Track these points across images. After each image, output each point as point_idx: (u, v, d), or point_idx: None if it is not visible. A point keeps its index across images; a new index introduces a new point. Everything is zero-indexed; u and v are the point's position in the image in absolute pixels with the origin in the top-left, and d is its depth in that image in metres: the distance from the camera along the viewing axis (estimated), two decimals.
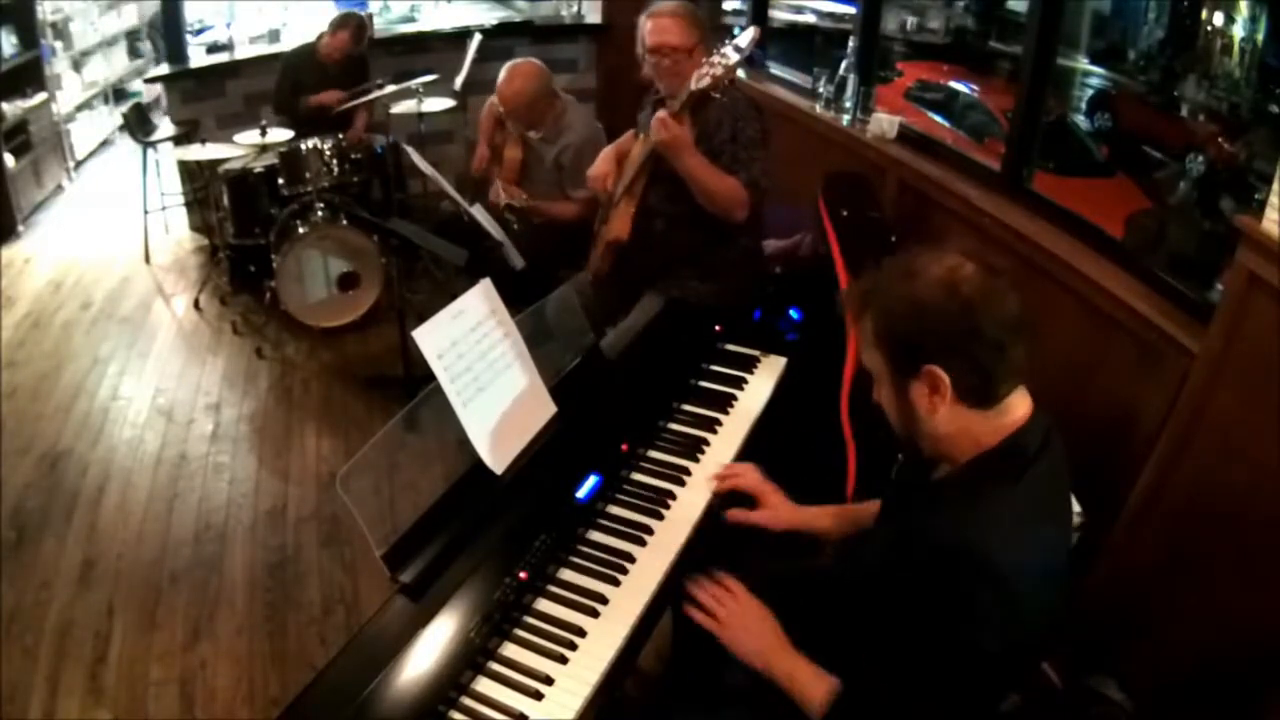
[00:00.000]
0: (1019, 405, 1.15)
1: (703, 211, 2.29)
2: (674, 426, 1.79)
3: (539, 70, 3.10)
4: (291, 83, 4.13)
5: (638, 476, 1.65)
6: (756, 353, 2.03)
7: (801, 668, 1.28)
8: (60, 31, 6.09)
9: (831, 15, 5.40)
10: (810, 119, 3.16)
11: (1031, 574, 1.08)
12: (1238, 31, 3.00)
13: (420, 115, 3.95)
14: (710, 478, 1.64)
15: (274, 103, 4.18)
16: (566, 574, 1.42)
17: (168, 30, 4.75)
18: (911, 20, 5.32)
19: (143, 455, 3.04)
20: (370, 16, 4.92)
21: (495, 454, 1.49)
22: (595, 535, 1.51)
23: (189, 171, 4.58)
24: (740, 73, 2.15)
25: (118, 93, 7.11)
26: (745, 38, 2.11)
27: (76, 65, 6.41)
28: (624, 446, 1.67)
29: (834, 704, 1.22)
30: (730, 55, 2.09)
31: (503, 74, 3.10)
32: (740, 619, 1.36)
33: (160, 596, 2.43)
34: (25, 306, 4.15)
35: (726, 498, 1.63)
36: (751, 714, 1.34)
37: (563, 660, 1.27)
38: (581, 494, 1.54)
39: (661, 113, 2.15)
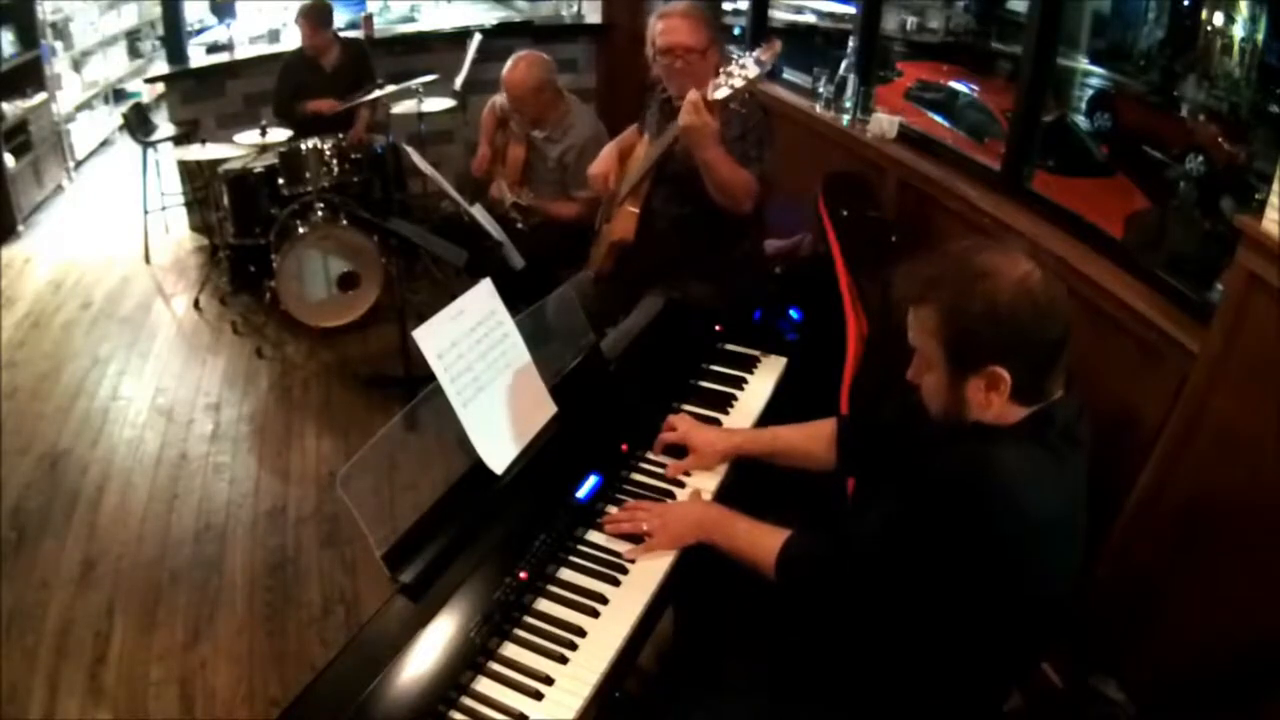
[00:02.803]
0: (1054, 392, 1.19)
1: (706, 215, 2.29)
2: None
3: (543, 58, 3.13)
4: (291, 87, 4.12)
5: (638, 476, 1.65)
6: (756, 353, 2.03)
7: (741, 528, 1.36)
8: (60, 31, 6.10)
9: (831, 15, 5.41)
10: (810, 119, 3.16)
11: (1048, 506, 1.11)
12: (1238, 31, 3.00)
13: (420, 115, 3.95)
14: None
15: (273, 107, 4.17)
16: (566, 574, 1.42)
17: (168, 30, 4.74)
18: (911, 20, 5.32)
19: (143, 455, 3.04)
20: (370, 16, 4.93)
21: (495, 454, 1.49)
22: (595, 535, 1.51)
23: (189, 171, 4.58)
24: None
25: (118, 93, 7.11)
26: (766, 51, 2.08)
27: (76, 65, 6.42)
28: (624, 446, 1.67)
29: (784, 553, 1.28)
30: (751, 68, 2.06)
31: (508, 64, 3.12)
32: (666, 516, 1.46)
33: (160, 596, 2.43)
34: (25, 306, 4.15)
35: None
36: (752, 707, 1.34)
37: (563, 660, 1.27)
38: (581, 494, 1.54)
39: (694, 94, 2.12)
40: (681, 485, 1.63)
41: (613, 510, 1.56)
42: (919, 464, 1.23)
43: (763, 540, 1.33)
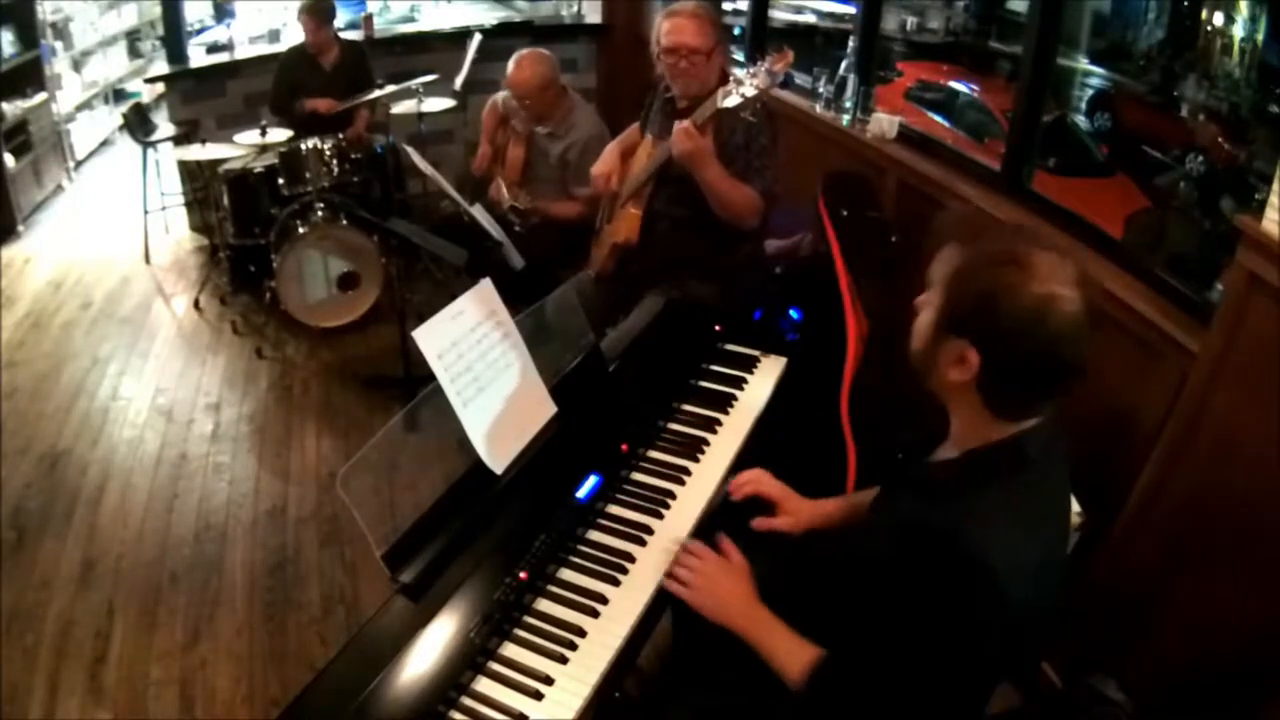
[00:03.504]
0: (1033, 418, 1.15)
1: (707, 216, 2.29)
2: (674, 426, 1.79)
3: (547, 56, 3.14)
4: (289, 83, 4.12)
5: (638, 476, 1.65)
6: (756, 353, 2.03)
7: (779, 634, 1.29)
8: (60, 31, 6.09)
9: (831, 15, 5.41)
10: (810, 119, 3.16)
11: (1023, 573, 1.07)
12: (1238, 31, 3.00)
13: (420, 115, 3.95)
14: (732, 486, 1.63)
15: (270, 104, 4.17)
16: (566, 574, 1.42)
17: (168, 30, 4.74)
18: (911, 20, 5.32)
19: (143, 455, 3.04)
20: (370, 16, 4.93)
21: (495, 454, 1.49)
22: (595, 535, 1.51)
23: (189, 171, 4.58)
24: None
25: (118, 93, 7.11)
26: (779, 61, 2.07)
27: (76, 65, 6.41)
28: (624, 446, 1.67)
29: (814, 674, 1.22)
30: (763, 78, 2.06)
31: (511, 63, 3.12)
32: (711, 583, 1.37)
33: (160, 596, 2.43)
34: (25, 306, 4.15)
35: (727, 498, 1.64)
36: (749, 705, 1.34)
37: (563, 660, 1.27)
38: (581, 494, 1.54)
39: (684, 123, 2.13)
40: (683, 484, 1.63)
41: (613, 510, 1.56)
42: (907, 506, 1.21)
43: (796, 653, 1.26)
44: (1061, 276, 1.05)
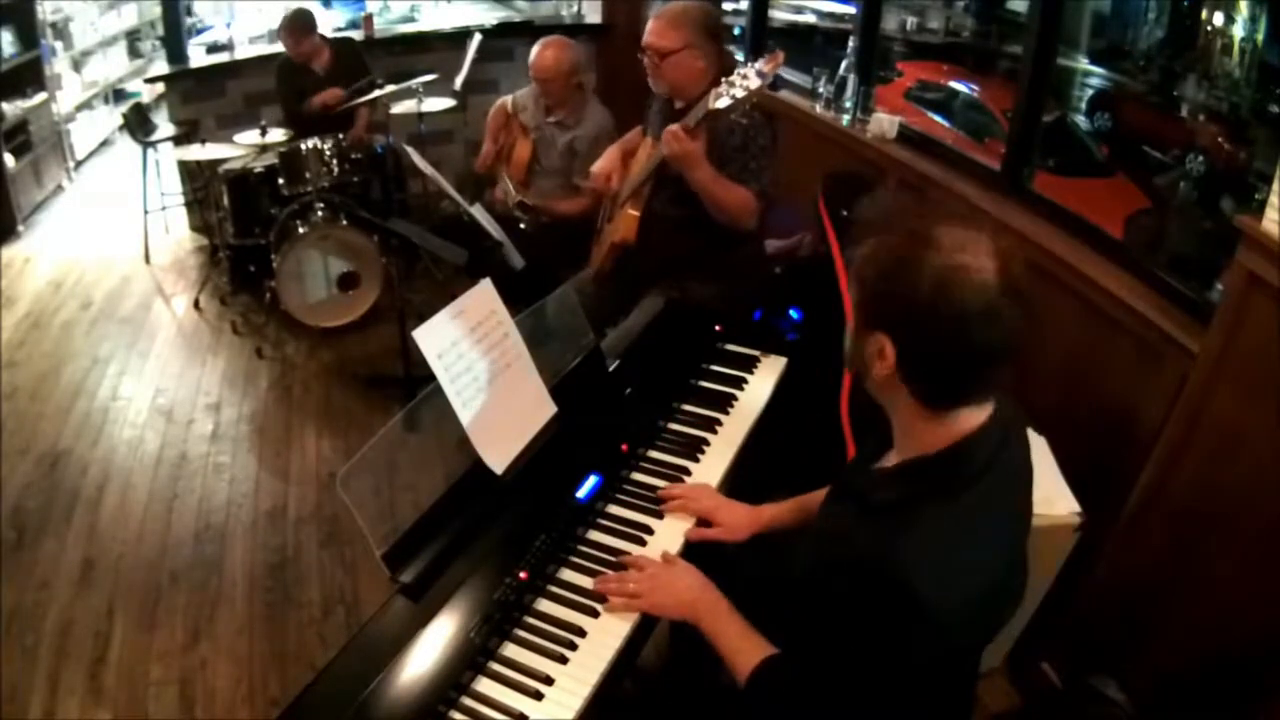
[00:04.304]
0: (974, 416, 1.07)
1: (706, 217, 2.30)
2: (674, 426, 1.79)
3: (573, 44, 3.18)
4: (291, 93, 4.11)
5: (638, 476, 1.65)
6: (756, 353, 2.03)
7: (729, 629, 1.28)
8: (60, 31, 6.10)
9: (831, 15, 5.41)
10: (810, 119, 3.16)
11: (958, 600, 1.01)
12: (1238, 31, 3.00)
13: (420, 115, 3.95)
14: (662, 495, 1.59)
15: (283, 112, 4.17)
16: (566, 574, 1.42)
17: (168, 30, 4.74)
18: (911, 20, 5.32)
19: (143, 455, 3.04)
20: (370, 16, 4.93)
21: (495, 454, 1.49)
22: (595, 535, 1.51)
23: (189, 171, 4.58)
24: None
25: (118, 93, 7.11)
26: (768, 62, 2.07)
27: (76, 65, 6.42)
28: (624, 446, 1.67)
29: (753, 675, 1.20)
30: (753, 80, 2.06)
31: (536, 47, 3.15)
32: (655, 583, 1.37)
33: (160, 596, 2.43)
34: (25, 306, 4.15)
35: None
36: (747, 712, 1.34)
37: (563, 660, 1.27)
38: (581, 494, 1.54)
39: (674, 126, 2.14)
40: (683, 482, 1.63)
41: (613, 510, 1.56)
42: (843, 520, 1.16)
43: (746, 650, 1.25)
44: (971, 248, 0.97)
